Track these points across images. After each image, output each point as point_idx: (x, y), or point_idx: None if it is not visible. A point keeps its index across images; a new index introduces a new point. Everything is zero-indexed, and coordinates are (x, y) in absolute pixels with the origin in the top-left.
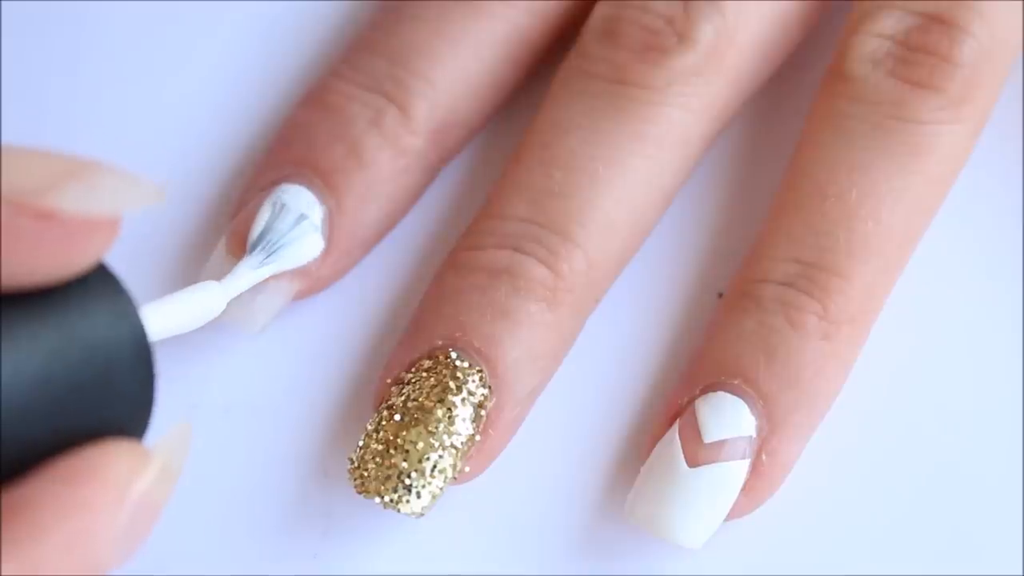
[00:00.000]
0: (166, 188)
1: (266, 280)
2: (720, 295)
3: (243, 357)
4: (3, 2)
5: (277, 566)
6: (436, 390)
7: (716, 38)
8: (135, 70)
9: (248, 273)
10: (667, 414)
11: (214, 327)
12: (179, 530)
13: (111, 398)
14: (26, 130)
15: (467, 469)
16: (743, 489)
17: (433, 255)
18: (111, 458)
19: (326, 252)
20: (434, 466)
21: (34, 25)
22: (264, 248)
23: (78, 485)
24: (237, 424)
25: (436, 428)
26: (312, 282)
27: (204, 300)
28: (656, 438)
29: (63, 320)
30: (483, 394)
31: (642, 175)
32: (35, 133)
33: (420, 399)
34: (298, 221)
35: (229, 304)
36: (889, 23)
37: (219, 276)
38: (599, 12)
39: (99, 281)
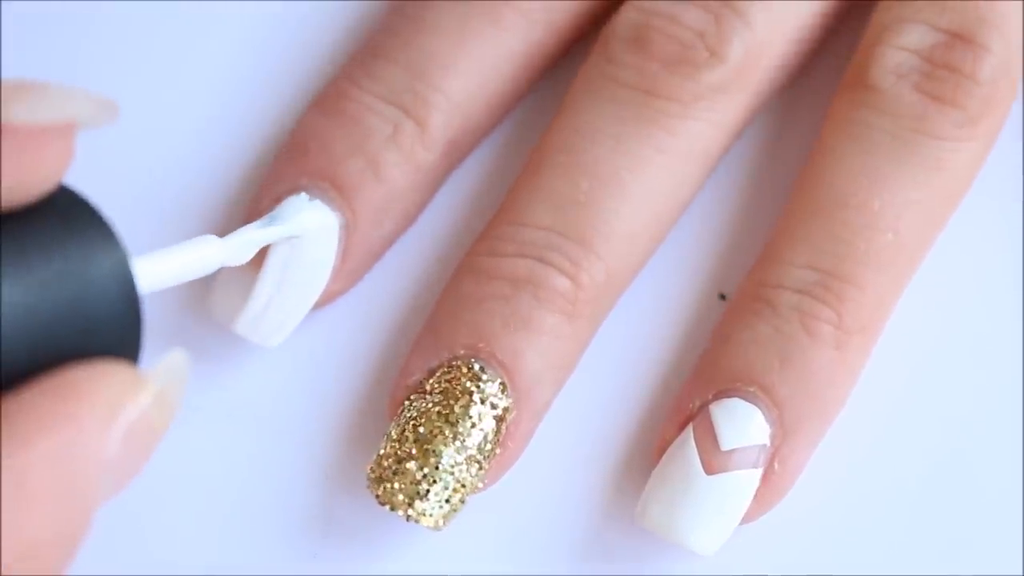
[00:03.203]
0: (116, 106)
1: (280, 297)
2: (722, 296)
3: (245, 358)
4: (3, 2)
5: (277, 566)
6: (460, 402)
7: (745, 55)
8: (142, 72)
9: (253, 232)
10: (677, 416)
11: (217, 330)
12: (179, 530)
13: (97, 329)
14: None
15: (484, 482)
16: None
17: (434, 256)
18: (101, 376)
19: (340, 265)
20: (456, 478)
21: (36, 25)
22: (272, 217)
23: (65, 399)
24: (239, 425)
25: (459, 440)
26: (324, 296)
27: (201, 252)
28: (666, 440)
29: (50, 251)
30: (505, 406)
31: (665, 186)
32: None
33: (444, 411)
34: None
35: (243, 319)
36: (913, 38)
37: (231, 281)
38: (627, 18)
39: (88, 222)
